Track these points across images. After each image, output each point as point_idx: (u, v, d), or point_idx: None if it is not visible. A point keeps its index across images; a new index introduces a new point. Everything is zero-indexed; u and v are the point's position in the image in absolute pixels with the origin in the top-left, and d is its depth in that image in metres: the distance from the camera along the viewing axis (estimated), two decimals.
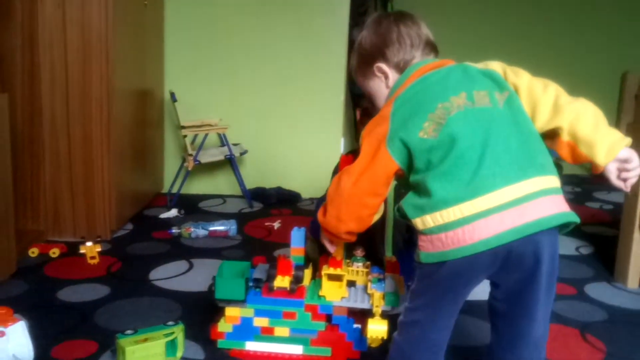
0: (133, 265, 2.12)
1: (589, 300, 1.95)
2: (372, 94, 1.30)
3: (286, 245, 2.34)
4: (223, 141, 2.99)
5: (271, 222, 2.69)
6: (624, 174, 1.12)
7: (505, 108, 1.13)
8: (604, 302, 1.93)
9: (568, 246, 2.46)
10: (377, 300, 1.42)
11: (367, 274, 1.52)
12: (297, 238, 1.53)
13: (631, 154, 1.11)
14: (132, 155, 2.65)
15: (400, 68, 1.24)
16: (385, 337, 1.29)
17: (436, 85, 1.17)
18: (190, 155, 2.89)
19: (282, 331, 1.47)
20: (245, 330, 1.48)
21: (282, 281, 1.43)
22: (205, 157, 2.93)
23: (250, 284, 1.50)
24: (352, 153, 1.51)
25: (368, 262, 1.55)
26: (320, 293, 1.45)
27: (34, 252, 2.16)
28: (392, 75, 1.25)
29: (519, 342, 1.17)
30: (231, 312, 1.48)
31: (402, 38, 1.25)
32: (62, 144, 2.32)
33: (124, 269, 2.08)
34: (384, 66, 1.25)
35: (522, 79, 1.17)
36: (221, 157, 2.97)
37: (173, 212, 2.80)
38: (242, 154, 3.06)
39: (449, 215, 1.04)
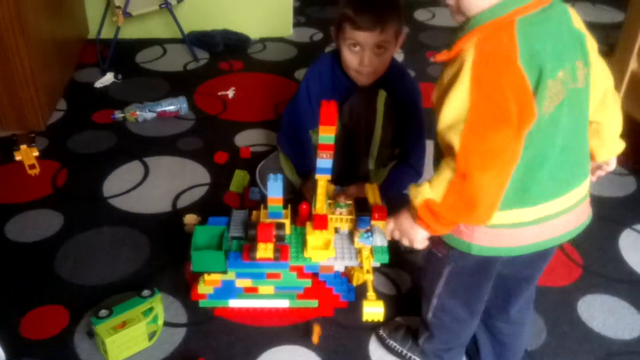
0: (80, 174, 1.91)
1: None
2: None
3: (247, 126, 2.17)
4: None
5: (224, 91, 2.43)
6: (598, 172, 1.15)
7: (587, 90, 0.97)
8: None
9: None
10: (366, 254, 1.34)
11: (352, 220, 1.41)
12: (274, 188, 1.36)
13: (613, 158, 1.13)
14: (45, 4, 2.19)
15: None
16: (382, 320, 1.25)
17: (551, 39, 0.90)
18: (119, 7, 2.44)
19: (266, 289, 1.40)
20: (227, 290, 1.39)
21: (265, 251, 1.31)
22: (137, 8, 2.49)
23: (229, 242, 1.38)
24: None
25: (351, 208, 1.43)
26: (306, 255, 1.35)
27: None
28: None
29: (515, 300, 1.20)
30: (211, 277, 1.37)
31: None
32: None
33: (71, 181, 1.87)
34: None
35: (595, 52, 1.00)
36: (155, 7, 2.54)
37: (109, 78, 2.47)
38: (179, 1, 2.62)
39: (536, 213, 0.98)
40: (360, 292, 1.45)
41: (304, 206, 1.42)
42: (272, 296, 1.42)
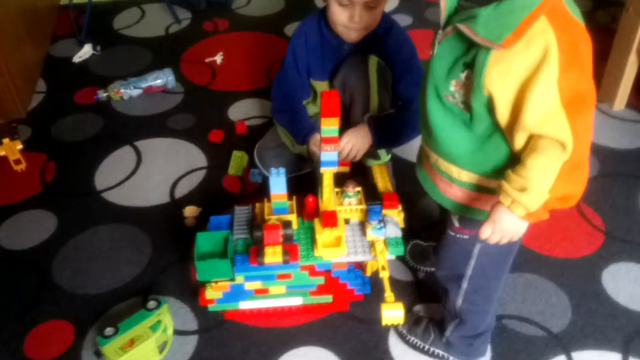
0: (69, 166, 1.80)
1: None
2: None
3: (240, 95, 2.04)
4: None
5: (211, 57, 2.27)
6: None
7: None
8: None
9: None
10: (380, 248, 1.27)
11: (362, 210, 1.32)
12: (278, 183, 1.26)
13: None
14: None
15: None
16: (402, 322, 1.18)
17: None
18: None
19: (277, 289, 1.33)
20: (237, 294, 1.33)
21: (273, 255, 1.23)
22: None
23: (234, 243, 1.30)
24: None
25: (361, 196, 1.34)
26: (316, 254, 1.27)
27: None
28: None
29: None
30: (219, 283, 1.30)
31: None
32: None
33: (60, 175, 1.77)
34: None
35: None
36: None
37: (87, 50, 2.32)
38: None
39: None
40: (375, 282, 1.39)
41: (310, 199, 1.33)
42: (284, 295, 1.35)
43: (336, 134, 1.18)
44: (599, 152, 1.78)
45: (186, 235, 1.54)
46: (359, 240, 1.31)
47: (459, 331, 1.24)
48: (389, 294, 1.19)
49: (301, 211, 1.35)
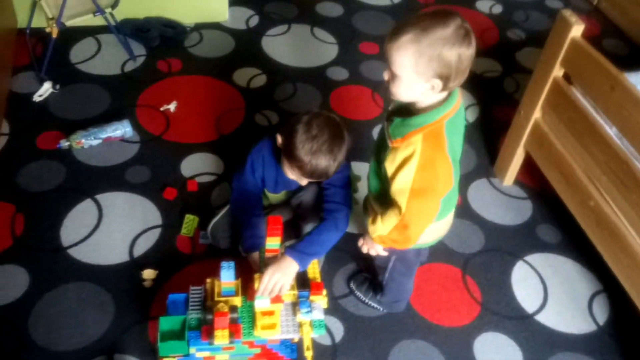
0: (36, 219, 2.02)
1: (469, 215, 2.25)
2: (405, 85, 1.28)
3: (191, 149, 2.30)
4: None
5: (166, 104, 2.50)
6: None
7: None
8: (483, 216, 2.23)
9: None
10: (306, 329, 1.62)
11: (294, 295, 1.66)
12: (228, 275, 1.58)
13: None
14: None
15: (448, 89, 1.30)
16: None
17: (458, 132, 1.41)
18: (52, 19, 2.41)
19: (222, 357, 1.66)
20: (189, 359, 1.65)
21: (221, 337, 1.56)
22: (71, 18, 2.46)
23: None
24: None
25: (293, 283, 1.67)
26: (256, 333, 1.61)
27: None
28: (436, 93, 1.29)
29: None
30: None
31: (467, 67, 1.27)
32: None
33: (29, 229, 1.99)
34: (440, 84, 1.26)
35: None
36: (89, 16, 2.51)
37: (47, 88, 2.49)
38: (114, 7, 2.58)
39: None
40: (300, 346, 1.74)
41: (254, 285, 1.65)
42: None
43: (277, 247, 1.52)
44: (486, 227, 2.20)
45: (145, 295, 1.83)
46: (290, 320, 1.66)
47: (385, 296, 1.84)
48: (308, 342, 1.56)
49: (245, 290, 1.68)
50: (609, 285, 2.02)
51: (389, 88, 1.33)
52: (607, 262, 1.85)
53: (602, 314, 1.98)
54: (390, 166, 1.35)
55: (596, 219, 1.86)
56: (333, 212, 1.75)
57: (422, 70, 1.24)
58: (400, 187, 1.34)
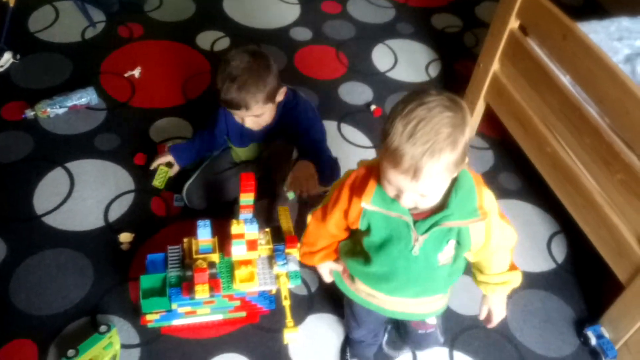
0: (9, 190, 2.02)
1: None
2: (438, 196, 1.14)
3: (159, 114, 2.31)
4: None
5: (130, 70, 2.49)
6: None
7: None
8: None
9: None
10: (283, 280, 1.70)
11: (270, 249, 1.73)
12: (204, 233, 1.63)
13: None
14: None
15: None
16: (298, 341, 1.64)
17: None
18: None
19: (203, 311, 1.73)
20: (171, 315, 1.71)
21: (202, 292, 1.62)
22: None
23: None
24: None
25: (269, 237, 1.74)
26: (235, 287, 1.67)
27: None
28: None
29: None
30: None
31: None
32: None
33: (1, 200, 1.99)
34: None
35: None
36: None
37: (7, 58, 2.45)
38: None
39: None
40: (278, 297, 1.82)
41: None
42: (209, 314, 1.76)
43: (251, 204, 1.57)
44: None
45: (123, 258, 1.87)
46: (267, 272, 1.73)
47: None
48: (289, 320, 1.63)
49: (222, 247, 1.73)
50: (566, 225, 2.13)
51: (413, 203, 1.14)
52: (564, 204, 1.96)
53: (560, 252, 2.11)
54: (478, 236, 1.22)
55: (553, 164, 1.96)
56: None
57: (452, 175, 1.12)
58: (497, 219, 1.23)
